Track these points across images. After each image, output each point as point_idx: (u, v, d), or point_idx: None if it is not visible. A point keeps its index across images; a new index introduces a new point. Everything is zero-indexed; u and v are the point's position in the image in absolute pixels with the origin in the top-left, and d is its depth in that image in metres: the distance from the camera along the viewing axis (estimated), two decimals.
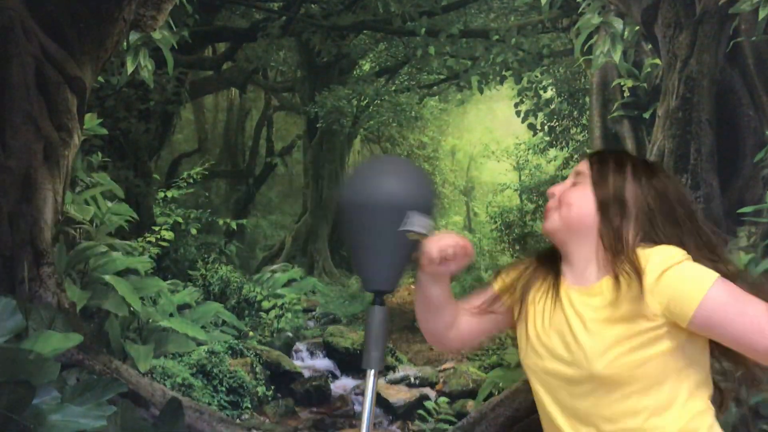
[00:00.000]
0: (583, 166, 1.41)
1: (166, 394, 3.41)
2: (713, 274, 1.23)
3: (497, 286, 1.51)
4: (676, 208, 1.33)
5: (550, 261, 1.44)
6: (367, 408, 1.16)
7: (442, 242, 1.32)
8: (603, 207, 1.33)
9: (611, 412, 1.26)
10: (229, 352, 3.73)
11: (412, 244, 1.24)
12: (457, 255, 1.33)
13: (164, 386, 3.47)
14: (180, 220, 3.98)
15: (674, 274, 1.23)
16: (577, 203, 1.36)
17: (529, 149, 4.22)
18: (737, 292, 1.22)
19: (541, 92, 4.09)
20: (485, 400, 3.50)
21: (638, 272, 1.23)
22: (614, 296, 1.26)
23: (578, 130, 4.08)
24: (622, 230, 1.31)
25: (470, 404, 3.58)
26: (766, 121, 3.44)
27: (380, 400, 3.80)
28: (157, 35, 3.74)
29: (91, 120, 3.68)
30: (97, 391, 3.04)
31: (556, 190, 1.42)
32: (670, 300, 1.22)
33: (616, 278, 1.26)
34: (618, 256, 1.28)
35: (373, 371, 1.18)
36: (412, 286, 4.93)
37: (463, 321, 1.49)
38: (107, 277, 3.48)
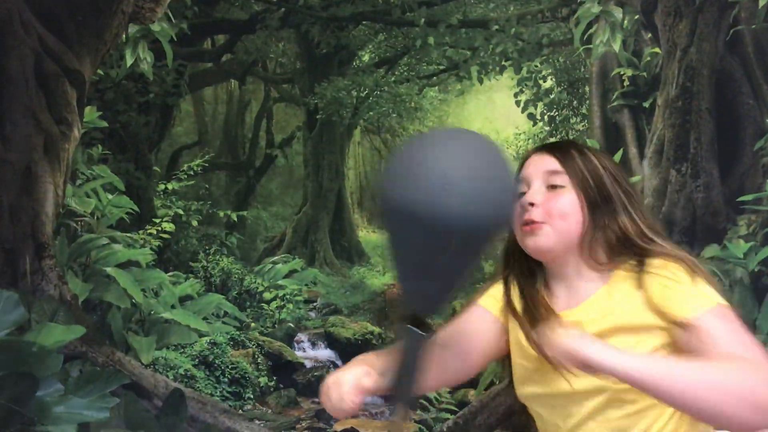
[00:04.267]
0: (552, 163, 1.22)
1: (168, 385, 3.43)
2: (717, 298, 1.09)
3: (492, 307, 1.29)
4: (631, 192, 1.21)
5: (518, 271, 1.27)
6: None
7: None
8: (593, 208, 1.18)
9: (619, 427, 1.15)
10: (231, 343, 3.74)
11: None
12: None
13: (167, 377, 3.49)
14: (181, 212, 3.99)
15: (673, 289, 1.11)
16: (572, 212, 1.18)
17: (528, 139, 4.21)
18: (735, 324, 1.07)
19: (541, 82, 4.08)
20: (486, 389, 3.52)
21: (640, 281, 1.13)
22: (612, 305, 1.15)
23: (578, 120, 4.07)
24: (619, 228, 1.18)
25: (471, 393, 3.60)
26: (766, 109, 3.44)
27: None
28: (156, 27, 3.74)
29: (91, 113, 3.68)
30: (100, 383, 3.05)
31: (536, 198, 1.19)
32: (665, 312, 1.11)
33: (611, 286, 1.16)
34: (623, 256, 1.17)
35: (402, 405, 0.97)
36: None
37: (453, 366, 1.29)
38: (109, 270, 3.49)
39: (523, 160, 1.28)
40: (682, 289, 1.10)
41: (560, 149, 1.24)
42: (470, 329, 1.29)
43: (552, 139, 4.11)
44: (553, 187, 1.20)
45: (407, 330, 0.95)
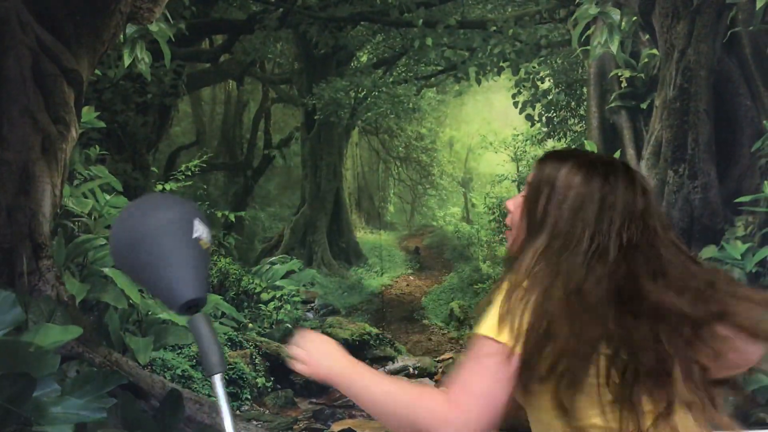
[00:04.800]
0: (530, 174, 1.27)
1: (165, 385, 3.42)
2: (487, 328, 1.12)
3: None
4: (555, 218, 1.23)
5: None
6: (226, 413, 1.09)
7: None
8: (528, 221, 1.22)
9: None
10: (229, 343, 3.74)
11: (205, 251, 1.21)
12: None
13: (164, 378, 3.48)
14: None
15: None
16: (514, 223, 1.25)
17: (526, 140, 4.21)
18: (478, 357, 1.11)
19: (539, 83, 4.08)
20: None
21: None
22: None
23: (576, 121, 4.08)
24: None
25: None
26: (763, 110, 3.45)
27: None
28: (154, 28, 3.73)
29: (89, 113, 3.67)
30: (97, 384, 3.05)
31: (508, 205, 1.28)
32: None
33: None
34: None
35: (219, 375, 1.12)
36: (411, 277, 4.93)
37: None
38: (106, 270, 3.49)
39: None
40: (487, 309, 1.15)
41: (545, 157, 1.26)
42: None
43: (550, 142, 4.12)
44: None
45: (191, 320, 1.16)
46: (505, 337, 1.10)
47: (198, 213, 1.23)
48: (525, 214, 1.21)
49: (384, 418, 1.16)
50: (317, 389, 3.84)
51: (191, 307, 1.16)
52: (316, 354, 1.24)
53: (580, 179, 1.18)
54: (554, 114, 4.12)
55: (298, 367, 1.24)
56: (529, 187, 1.23)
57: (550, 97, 4.09)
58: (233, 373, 3.67)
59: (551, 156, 1.25)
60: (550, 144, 4.14)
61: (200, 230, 1.20)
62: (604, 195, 1.16)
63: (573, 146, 4.06)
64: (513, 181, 4.30)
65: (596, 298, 1.09)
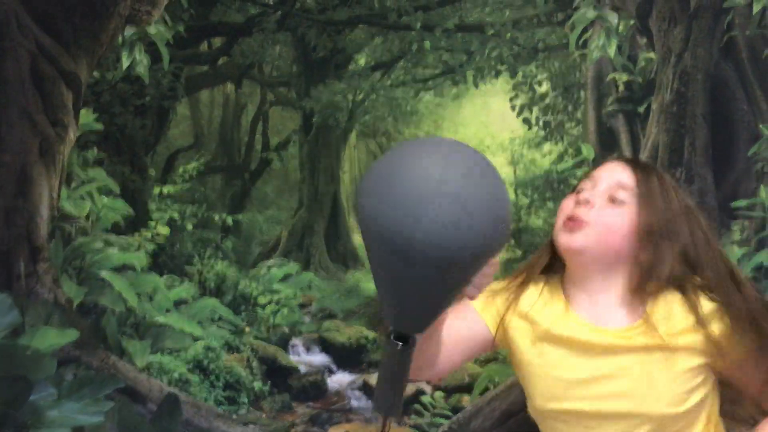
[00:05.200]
0: (627, 178, 1.17)
1: (163, 389, 3.42)
2: None
3: (487, 316, 1.24)
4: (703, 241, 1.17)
5: (544, 273, 1.24)
6: None
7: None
8: (649, 238, 1.13)
9: None
10: (226, 347, 3.74)
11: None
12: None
13: (161, 382, 3.48)
14: (176, 215, 3.98)
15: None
16: (620, 231, 1.14)
17: (523, 143, 4.23)
18: None
19: (536, 86, 4.09)
20: (481, 394, 3.52)
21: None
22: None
23: (573, 125, 4.09)
24: (659, 267, 1.13)
25: (466, 398, 3.60)
26: (760, 115, 3.46)
27: None
28: (152, 30, 3.73)
29: (87, 115, 3.67)
30: (94, 387, 3.04)
31: (595, 199, 1.15)
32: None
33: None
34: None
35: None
36: None
37: (443, 352, 1.22)
38: (104, 273, 3.48)
39: (603, 162, 1.24)
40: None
41: (642, 169, 1.19)
42: (462, 332, 1.24)
43: (547, 145, 4.12)
44: (613, 200, 1.15)
45: (388, 341, 0.87)
46: None
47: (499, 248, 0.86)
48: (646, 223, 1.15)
49: None
50: (314, 393, 3.85)
51: (406, 337, 0.88)
52: None
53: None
54: (551, 117, 4.13)
55: None
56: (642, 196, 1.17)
57: (547, 101, 4.10)
58: (230, 377, 3.67)
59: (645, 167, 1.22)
60: (547, 147, 4.15)
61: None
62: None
63: (570, 150, 4.07)
64: (510, 184, 4.31)
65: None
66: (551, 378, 1.17)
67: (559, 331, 1.17)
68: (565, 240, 1.15)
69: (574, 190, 1.21)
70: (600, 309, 1.16)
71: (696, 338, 1.10)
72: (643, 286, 1.13)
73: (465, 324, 1.24)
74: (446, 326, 1.18)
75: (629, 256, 1.14)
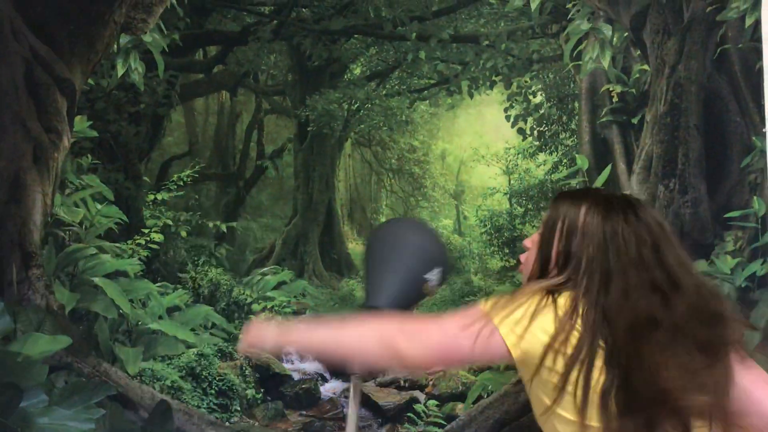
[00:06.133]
0: (546, 214, 1.42)
1: (155, 396, 3.40)
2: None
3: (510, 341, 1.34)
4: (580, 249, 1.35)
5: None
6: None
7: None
8: (541, 258, 1.36)
9: None
10: (219, 354, 3.72)
11: (420, 289, 1.30)
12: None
13: (153, 389, 3.46)
14: (170, 222, 3.97)
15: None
16: (526, 262, 1.41)
17: (518, 154, 4.23)
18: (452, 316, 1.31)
19: (531, 97, 4.11)
20: (474, 402, 3.51)
21: None
22: None
23: (567, 135, 4.10)
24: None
25: (460, 407, 3.59)
26: (753, 126, 3.48)
27: (369, 403, 3.79)
28: (147, 38, 3.74)
29: (81, 122, 3.67)
30: (86, 394, 3.03)
31: (526, 243, 1.45)
32: None
33: None
34: None
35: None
36: None
37: None
38: (96, 280, 3.47)
39: None
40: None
41: (559, 197, 1.37)
42: (483, 353, 1.37)
43: (541, 156, 4.13)
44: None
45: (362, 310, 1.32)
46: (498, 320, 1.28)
47: (445, 264, 1.35)
48: (540, 252, 1.36)
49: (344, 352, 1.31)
50: (307, 401, 3.83)
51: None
52: (256, 329, 1.40)
53: (599, 219, 1.29)
54: (546, 128, 4.14)
55: (241, 345, 1.41)
56: (544, 226, 1.36)
57: (541, 111, 4.11)
58: (223, 385, 3.65)
59: (565, 196, 1.38)
60: (542, 158, 4.16)
61: (434, 277, 1.32)
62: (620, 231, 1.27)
63: (564, 160, 4.08)
64: (504, 194, 4.31)
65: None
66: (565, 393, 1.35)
67: None
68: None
69: None
70: None
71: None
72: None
73: (487, 350, 1.42)
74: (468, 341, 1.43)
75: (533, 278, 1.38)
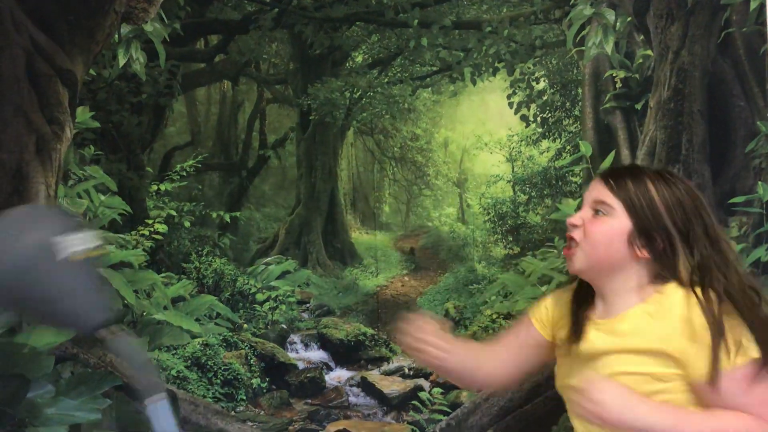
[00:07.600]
0: (604, 194, 1.26)
1: None
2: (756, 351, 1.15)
3: (534, 318, 1.42)
4: (692, 220, 1.24)
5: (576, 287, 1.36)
6: None
7: (419, 343, 1.39)
8: (646, 237, 1.22)
9: None
10: (224, 344, 3.73)
11: (90, 261, 1.01)
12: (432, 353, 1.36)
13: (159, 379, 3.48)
14: (173, 213, 3.97)
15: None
16: (604, 240, 1.24)
17: (521, 141, 4.22)
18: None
19: (534, 84, 4.09)
20: (478, 390, 3.52)
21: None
22: (646, 325, 1.20)
23: (570, 122, 4.08)
24: (671, 258, 1.21)
25: (464, 395, 3.60)
26: (757, 111, 3.46)
27: (375, 391, 3.81)
28: (148, 28, 3.72)
29: (83, 113, 3.66)
30: (92, 385, 3.04)
31: (577, 220, 1.27)
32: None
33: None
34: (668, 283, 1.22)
35: (160, 398, 0.98)
36: (406, 278, 4.92)
37: (494, 359, 1.43)
38: (101, 270, 3.47)
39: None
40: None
41: (614, 177, 1.28)
42: (512, 342, 1.43)
43: (545, 143, 4.12)
44: (596, 213, 1.27)
45: (111, 342, 1.04)
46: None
47: (54, 225, 1.00)
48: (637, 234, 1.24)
49: None
50: (312, 390, 3.84)
51: (104, 328, 1.01)
52: (614, 406, 1.15)
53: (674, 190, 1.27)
54: (549, 114, 4.13)
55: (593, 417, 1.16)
56: (631, 209, 1.24)
57: (545, 98, 4.10)
58: (228, 374, 3.66)
59: (622, 174, 1.29)
60: (545, 144, 4.15)
61: (65, 245, 0.99)
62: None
63: (568, 147, 4.07)
64: (508, 181, 4.30)
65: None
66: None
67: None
68: (569, 267, 1.29)
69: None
70: (609, 305, 1.27)
71: (668, 345, 1.17)
72: (649, 283, 1.23)
73: (515, 333, 1.44)
74: (502, 341, 1.44)
75: (628, 259, 1.24)
